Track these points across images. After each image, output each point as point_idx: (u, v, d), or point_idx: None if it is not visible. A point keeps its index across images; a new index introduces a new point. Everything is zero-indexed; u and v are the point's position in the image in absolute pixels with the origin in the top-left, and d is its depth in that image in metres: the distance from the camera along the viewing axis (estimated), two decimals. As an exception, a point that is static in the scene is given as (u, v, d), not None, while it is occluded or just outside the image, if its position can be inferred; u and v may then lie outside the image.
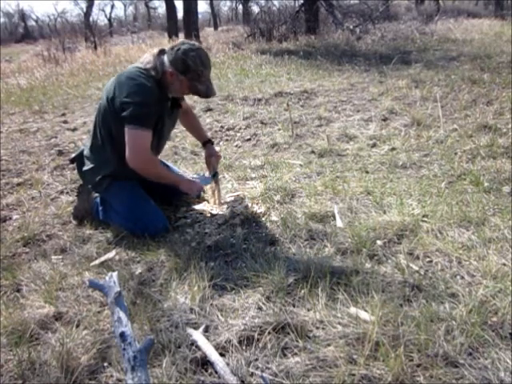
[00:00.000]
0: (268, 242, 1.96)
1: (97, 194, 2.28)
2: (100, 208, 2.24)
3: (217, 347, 1.33)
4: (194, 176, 2.48)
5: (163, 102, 2.13)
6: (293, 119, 3.91)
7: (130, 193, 2.16)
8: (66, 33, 15.16)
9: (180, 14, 14.70)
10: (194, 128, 2.58)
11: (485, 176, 2.49)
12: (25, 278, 1.79)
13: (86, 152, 2.22)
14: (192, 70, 2.03)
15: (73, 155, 2.37)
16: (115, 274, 1.45)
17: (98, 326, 1.46)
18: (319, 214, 2.16)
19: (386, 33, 10.22)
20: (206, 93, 2.11)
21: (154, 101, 2.02)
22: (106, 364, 1.31)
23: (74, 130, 4.23)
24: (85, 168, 2.21)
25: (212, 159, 2.43)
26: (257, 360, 1.28)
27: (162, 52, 2.10)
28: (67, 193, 2.70)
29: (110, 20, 37.17)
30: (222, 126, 4.07)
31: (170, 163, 2.64)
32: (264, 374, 1.22)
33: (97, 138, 2.16)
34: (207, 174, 2.51)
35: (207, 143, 2.49)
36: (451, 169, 2.67)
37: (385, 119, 3.89)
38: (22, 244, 2.11)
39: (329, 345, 1.31)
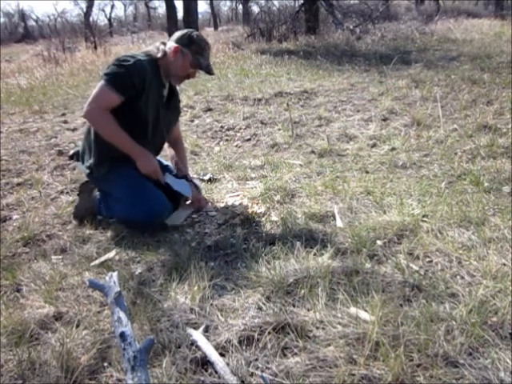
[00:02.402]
0: (268, 242, 1.96)
1: (98, 192, 2.28)
2: (102, 204, 2.24)
3: (217, 347, 1.33)
4: (182, 181, 2.29)
5: (156, 86, 2.16)
6: (293, 119, 3.91)
7: (130, 177, 2.13)
8: (66, 33, 15.15)
9: (180, 13, 14.69)
10: (179, 159, 2.43)
11: (485, 176, 2.49)
12: (25, 277, 1.79)
13: (82, 142, 2.25)
14: (196, 42, 2.15)
15: (71, 151, 2.38)
16: (115, 274, 1.45)
17: (98, 326, 1.46)
18: (319, 213, 2.16)
19: (386, 33, 10.23)
20: (208, 68, 2.20)
21: (140, 70, 2.05)
22: (106, 364, 1.31)
23: (74, 130, 4.23)
24: (82, 158, 2.23)
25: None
26: (257, 360, 1.28)
27: (164, 42, 2.23)
28: (67, 193, 2.70)
29: (109, 20, 37.12)
30: (222, 126, 4.07)
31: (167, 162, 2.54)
32: (264, 374, 1.22)
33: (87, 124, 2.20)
34: (197, 181, 2.41)
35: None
36: (451, 169, 2.67)
37: (385, 119, 3.90)
38: (22, 244, 2.11)
39: (329, 345, 1.31)
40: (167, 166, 2.41)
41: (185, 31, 2.21)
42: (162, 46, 2.18)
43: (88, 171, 2.21)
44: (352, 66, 6.62)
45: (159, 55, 2.15)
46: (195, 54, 2.15)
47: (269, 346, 1.32)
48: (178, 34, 2.21)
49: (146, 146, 2.15)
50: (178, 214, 2.25)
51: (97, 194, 2.29)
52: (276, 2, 20.75)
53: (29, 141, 3.91)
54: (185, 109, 4.71)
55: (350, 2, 14.02)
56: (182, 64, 2.16)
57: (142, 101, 2.09)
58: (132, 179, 2.14)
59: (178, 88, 2.42)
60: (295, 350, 1.31)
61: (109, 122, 2.04)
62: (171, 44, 2.17)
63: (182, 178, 2.30)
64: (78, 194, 2.37)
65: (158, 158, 2.39)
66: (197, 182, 2.48)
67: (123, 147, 2.08)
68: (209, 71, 2.22)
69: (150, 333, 1.39)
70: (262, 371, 1.24)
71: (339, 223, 2.06)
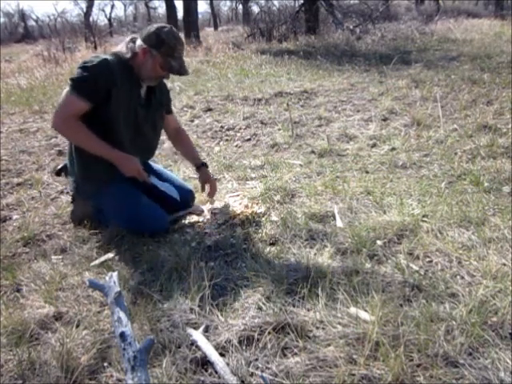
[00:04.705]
0: (268, 242, 1.96)
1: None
2: (99, 214, 2.20)
3: (217, 347, 1.33)
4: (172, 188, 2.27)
5: (132, 85, 2.05)
6: (293, 119, 3.91)
7: (122, 198, 2.07)
8: (66, 33, 15.14)
9: (180, 13, 14.71)
10: (187, 149, 2.44)
11: (485, 176, 2.49)
12: (25, 277, 1.79)
13: (67, 157, 2.21)
14: (166, 43, 1.99)
15: (59, 166, 2.34)
16: (115, 274, 1.45)
17: (98, 326, 1.46)
18: (319, 213, 2.16)
19: (386, 33, 10.24)
20: (179, 70, 2.05)
21: (105, 72, 1.93)
22: (106, 364, 1.31)
23: (74, 129, 4.23)
24: (68, 175, 2.20)
25: (208, 187, 2.32)
26: (257, 360, 1.28)
27: (134, 38, 2.08)
28: (67, 193, 2.70)
29: (109, 20, 37.11)
30: (222, 126, 4.07)
31: (160, 167, 2.50)
32: (264, 374, 1.22)
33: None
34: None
35: (201, 167, 2.35)
36: (451, 169, 2.67)
37: (385, 119, 3.90)
38: (22, 244, 2.11)
39: (329, 345, 1.31)
40: (157, 169, 2.39)
41: (153, 28, 2.03)
42: (131, 45, 2.04)
43: (74, 190, 2.20)
44: (352, 66, 6.62)
45: (128, 55, 2.03)
46: (165, 56, 2.00)
47: (269, 345, 1.32)
48: (146, 32, 2.04)
49: (128, 150, 2.07)
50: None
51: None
52: (276, 2, 20.77)
53: (29, 141, 3.91)
54: (185, 109, 4.72)
55: (349, 2, 14.03)
56: (152, 66, 2.02)
57: (111, 103, 1.98)
58: (125, 200, 2.07)
59: (168, 84, 2.30)
60: (295, 350, 1.31)
61: (78, 129, 1.96)
62: (139, 43, 2.02)
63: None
64: (71, 202, 2.31)
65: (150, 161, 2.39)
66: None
67: (99, 153, 2.00)
68: (181, 73, 2.08)
69: (150, 333, 1.39)
70: (262, 371, 1.24)
71: (339, 223, 2.06)
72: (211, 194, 2.33)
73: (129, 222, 2.09)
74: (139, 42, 2.03)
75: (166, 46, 2.00)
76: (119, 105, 2.00)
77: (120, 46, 2.10)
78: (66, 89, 1.97)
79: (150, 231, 2.08)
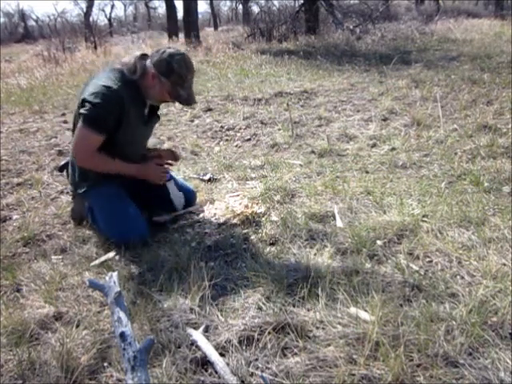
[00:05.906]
0: (268, 242, 1.96)
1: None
2: (89, 213, 2.19)
3: (217, 347, 1.33)
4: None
5: (138, 107, 2.08)
6: (293, 119, 3.91)
7: (108, 201, 2.08)
8: (66, 33, 15.13)
9: (180, 13, 14.70)
10: None
11: (485, 176, 2.49)
12: (25, 278, 1.79)
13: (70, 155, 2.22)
14: (176, 72, 1.97)
15: (62, 162, 2.36)
16: (115, 274, 1.45)
17: (98, 326, 1.46)
18: (319, 213, 2.16)
19: (386, 33, 10.24)
20: (187, 100, 2.07)
21: (116, 105, 1.95)
22: (106, 364, 1.31)
23: (74, 130, 4.23)
24: (70, 172, 2.21)
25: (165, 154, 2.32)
26: (257, 360, 1.28)
27: (144, 56, 2.06)
28: (67, 193, 2.70)
29: (109, 20, 37.08)
30: (222, 126, 4.07)
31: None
32: (264, 374, 1.22)
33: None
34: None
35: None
36: (451, 169, 2.67)
37: (385, 119, 3.90)
38: (22, 244, 2.11)
39: (329, 345, 1.31)
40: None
41: (165, 55, 1.98)
42: (140, 64, 2.01)
43: (72, 187, 2.21)
44: (352, 66, 6.62)
45: (137, 76, 2.01)
46: (174, 84, 1.99)
47: (269, 345, 1.32)
48: (158, 56, 1.99)
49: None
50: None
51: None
52: (276, 2, 20.78)
53: (29, 141, 3.91)
54: (185, 109, 4.71)
55: (349, 1, 14.03)
56: (159, 91, 2.02)
57: (121, 129, 2.01)
58: (110, 203, 2.07)
59: None
60: (295, 350, 1.31)
61: (100, 161, 2.01)
62: (150, 65, 2.00)
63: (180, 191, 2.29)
64: (72, 199, 2.34)
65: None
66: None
67: (122, 173, 2.07)
68: (188, 103, 2.11)
69: (150, 333, 1.39)
70: (262, 371, 1.24)
71: (339, 223, 2.06)
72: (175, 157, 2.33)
73: (108, 227, 2.06)
74: (149, 64, 2.01)
75: (176, 76, 1.98)
76: (127, 128, 2.03)
77: (127, 58, 2.07)
78: (80, 124, 1.98)
79: (125, 241, 1.98)
